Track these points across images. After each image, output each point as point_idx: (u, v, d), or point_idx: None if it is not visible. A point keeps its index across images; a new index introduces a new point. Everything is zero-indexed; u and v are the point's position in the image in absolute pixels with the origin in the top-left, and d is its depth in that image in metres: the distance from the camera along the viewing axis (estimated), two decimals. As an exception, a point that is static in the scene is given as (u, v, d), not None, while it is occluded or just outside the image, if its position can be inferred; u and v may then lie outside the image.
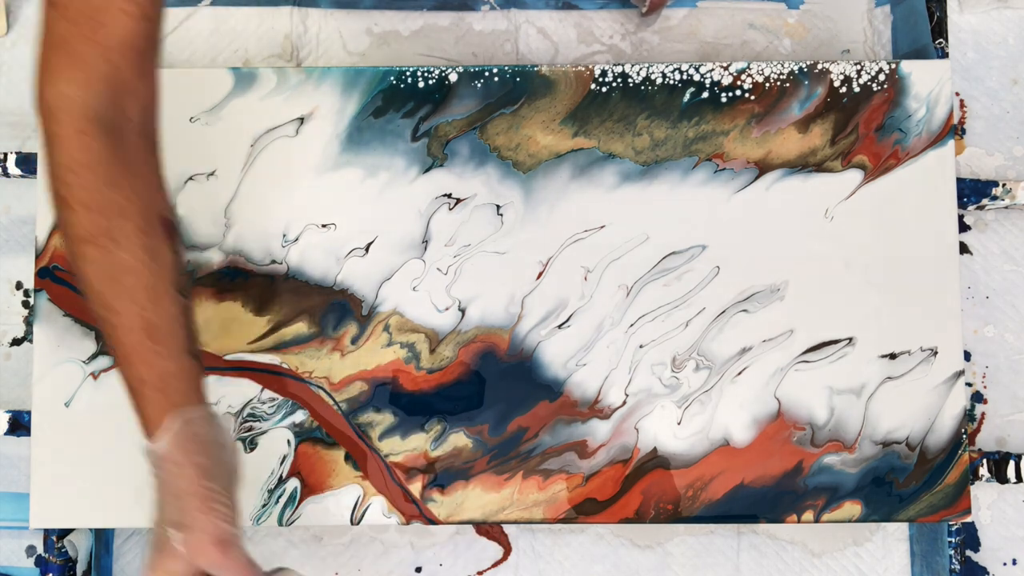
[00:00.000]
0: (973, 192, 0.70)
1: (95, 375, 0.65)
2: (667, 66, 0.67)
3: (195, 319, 0.49)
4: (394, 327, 0.65)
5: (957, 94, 0.75)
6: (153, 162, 0.49)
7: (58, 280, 0.65)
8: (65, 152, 0.45)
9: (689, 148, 0.66)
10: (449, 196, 0.66)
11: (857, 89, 0.66)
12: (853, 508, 0.64)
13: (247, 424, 0.65)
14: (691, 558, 0.72)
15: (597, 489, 0.64)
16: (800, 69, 0.67)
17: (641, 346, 0.65)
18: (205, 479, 0.47)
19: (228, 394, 0.65)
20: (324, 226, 0.66)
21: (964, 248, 0.74)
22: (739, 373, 0.65)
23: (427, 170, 0.66)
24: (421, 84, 0.66)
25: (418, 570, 0.72)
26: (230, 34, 0.75)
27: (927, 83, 0.67)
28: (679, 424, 0.65)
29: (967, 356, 0.73)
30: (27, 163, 0.70)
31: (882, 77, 0.67)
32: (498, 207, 0.66)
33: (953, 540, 0.67)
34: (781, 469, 0.65)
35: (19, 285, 0.74)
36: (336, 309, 0.65)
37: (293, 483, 0.64)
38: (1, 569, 0.72)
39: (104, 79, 0.45)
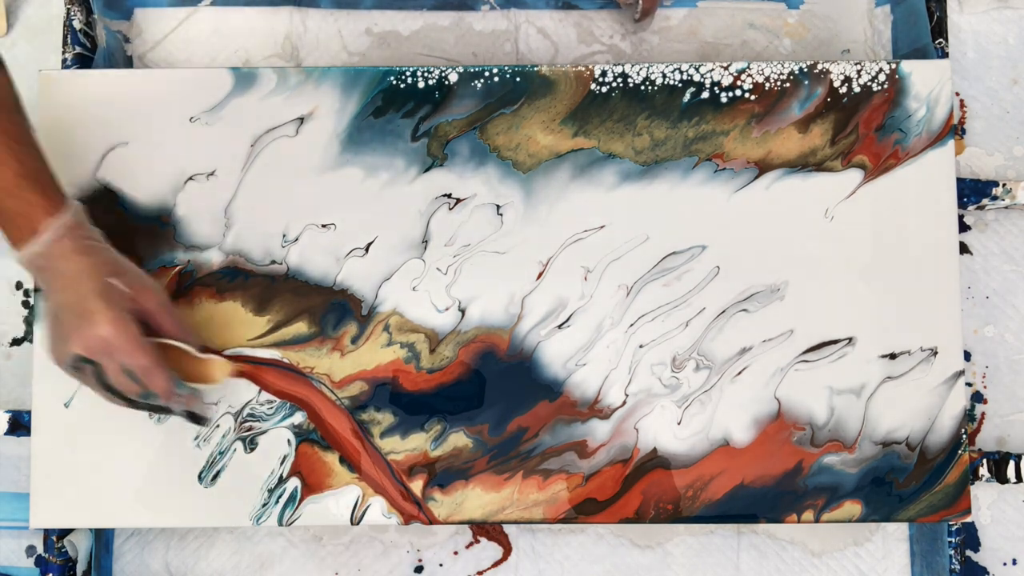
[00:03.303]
0: (973, 192, 0.70)
1: (95, 375, 0.65)
2: (667, 66, 0.67)
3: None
4: (394, 327, 0.65)
5: (957, 94, 0.75)
6: None
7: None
8: None
9: (689, 148, 0.66)
10: (449, 196, 0.66)
11: (857, 89, 0.66)
12: (853, 508, 0.64)
13: (247, 424, 0.65)
14: (691, 558, 0.72)
15: (597, 489, 0.64)
16: (800, 69, 0.67)
17: (641, 346, 0.65)
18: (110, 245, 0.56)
19: (227, 395, 0.65)
20: (324, 226, 0.66)
21: (964, 248, 0.74)
22: (739, 373, 0.65)
23: (427, 170, 0.66)
24: (421, 84, 0.66)
25: (418, 570, 0.72)
26: (230, 34, 0.75)
27: (927, 83, 0.67)
28: (679, 424, 0.65)
29: (967, 356, 0.73)
30: (27, 163, 0.70)
31: (882, 77, 0.67)
32: (498, 207, 0.66)
33: (953, 540, 0.67)
34: (781, 469, 0.65)
35: (19, 285, 0.74)
36: (336, 309, 0.65)
37: (293, 483, 0.64)
38: (1, 569, 0.72)
39: None
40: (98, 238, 0.55)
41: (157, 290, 0.57)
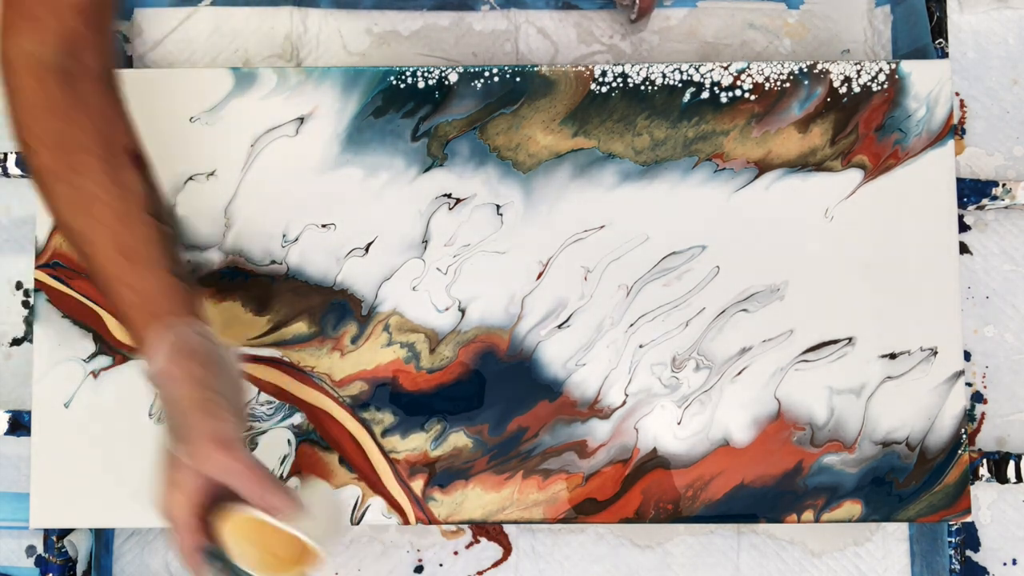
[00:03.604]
0: (973, 192, 0.70)
1: (95, 374, 0.65)
2: (667, 66, 0.67)
3: (177, 244, 0.53)
4: (394, 327, 0.65)
5: (957, 94, 0.75)
6: (112, 102, 0.53)
7: (58, 280, 0.65)
8: (24, 98, 0.49)
9: (689, 148, 0.66)
10: (449, 196, 0.66)
11: (857, 89, 0.66)
12: (853, 508, 0.64)
13: (246, 424, 0.65)
14: (691, 558, 0.72)
15: (597, 489, 0.64)
16: (800, 69, 0.67)
17: (641, 346, 0.65)
18: (201, 388, 0.49)
19: (228, 394, 0.65)
20: (324, 226, 0.66)
21: (964, 248, 0.74)
22: (739, 373, 0.65)
23: (427, 170, 0.66)
24: (421, 84, 0.66)
25: (418, 570, 0.72)
26: (230, 34, 0.75)
27: (927, 83, 0.67)
28: (679, 424, 0.65)
29: (967, 356, 0.73)
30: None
31: (882, 77, 0.67)
32: (498, 207, 0.66)
33: (953, 540, 0.67)
34: (781, 469, 0.65)
35: (19, 285, 0.74)
36: (336, 309, 0.66)
37: (293, 483, 0.64)
38: (1, 569, 0.72)
39: (57, 34, 0.49)
40: (201, 370, 0.49)
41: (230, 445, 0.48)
